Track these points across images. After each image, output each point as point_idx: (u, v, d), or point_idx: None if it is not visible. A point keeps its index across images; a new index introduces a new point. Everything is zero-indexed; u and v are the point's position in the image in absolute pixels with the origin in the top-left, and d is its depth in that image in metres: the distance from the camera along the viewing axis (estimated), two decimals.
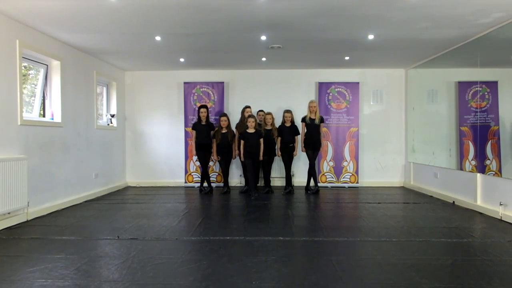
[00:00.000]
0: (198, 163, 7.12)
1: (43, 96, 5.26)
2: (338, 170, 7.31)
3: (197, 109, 7.00)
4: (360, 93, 7.36)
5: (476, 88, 5.15)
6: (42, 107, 5.26)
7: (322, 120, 6.49)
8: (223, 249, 3.36)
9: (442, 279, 2.67)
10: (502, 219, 4.49)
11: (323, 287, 2.53)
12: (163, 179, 7.61)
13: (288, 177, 6.55)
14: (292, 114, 6.51)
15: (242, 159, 6.34)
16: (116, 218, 4.66)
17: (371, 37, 5.13)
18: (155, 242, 3.61)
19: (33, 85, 5.26)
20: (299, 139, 6.52)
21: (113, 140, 7.05)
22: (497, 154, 4.76)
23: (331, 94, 7.32)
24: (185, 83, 7.44)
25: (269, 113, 6.50)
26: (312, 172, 6.51)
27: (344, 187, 7.26)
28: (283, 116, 6.53)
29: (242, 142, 6.20)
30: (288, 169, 6.56)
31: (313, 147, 6.42)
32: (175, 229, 4.09)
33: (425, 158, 6.59)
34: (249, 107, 6.75)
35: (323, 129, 6.72)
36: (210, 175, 7.01)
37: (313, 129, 6.38)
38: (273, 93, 7.48)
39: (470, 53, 5.20)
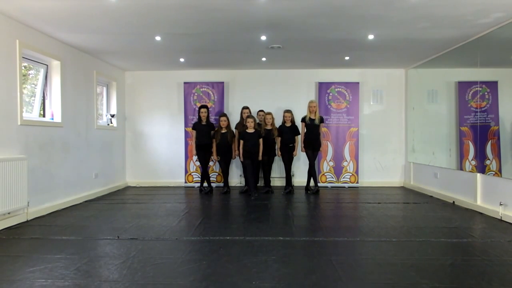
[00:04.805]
0: (198, 163, 7.12)
1: (43, 96, 5.26)
2: (338, 170, 7.31)
3: (197, 109, 7.01)
4: (360, 93, 7.36)
5: (476, 88, 5.15)
6: (42, 107, 5.26)
7: (322, 120, 6.49)
8: (223, 249, 3.36)
9: (442, 279, 2.67)
10: (502, 219, 4.49)
11: (323, 287, 2.54)
12: (163, 179, 7.61)
13: (288, 177, 6.55)
14: (292, 114, 6.50)
15: (242, 159, 6.34)
16: (116, 218, 4.66)
17: (371, 37, 5.13)
18: (155, 242, 3.61)
19: (33, 85, 5.26)
20: (299, 139, 6.52)
21: (113, 140, 7.05)
22: (497, 154, 4.76)
23: (331, 94, 7.32)
24: (185, 83, 7.44)
25: (269, 113, 6.50)
26: (312, 172, 6.51)
27: (344, 187, 7.25)
28: (283, 116, 6.53)
29: (241, 142, 6.21)
30: (288, 169, 6.55)
31: (313, 147, 6.42)
32: (175, 229, 4.09)
33: (425, 158, 6.59)
34: (247, 107, 6.76)
35: (323, 129, 6.72)
36: (210, 175, 7.01)
37: (313, 129, 6.38)
38: (273, 93, 7.48)
39: (470, 53, 5.20)
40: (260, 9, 4.09)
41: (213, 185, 7.10)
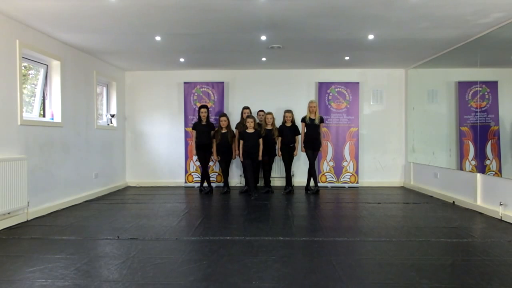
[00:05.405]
0: (198, 163, 7.12)
1: (43, 96, 5.26)
2: (338, 170, 7.31)
3: (197, 109, 7.01)
4: (360, 93, 7.36)
5: (476, 88, 5.15)
6: (42, 107, 5.26)
7: (322, 120, 6.49)
8: (223, 249, 3.36)
9: (442, 279, 2.67)
10: (502, 219, 4.49)
11: (323, 287, 2.54)
12: (163, 179, 7.61)
13: (288, 177, 6.55)
14: (292, 114, 6.51)
15: (242, 159, 6.34)
16: (116, 218, 4.66)
17: (371, 37, 5.13)
18: (155, 242, 3.61)
19: (33, 85, 5.26)
20: (300, 139, 6.52)
21: (113, 140, 7.05)
22: (497, 154, 4.76)
23: (331, 94, 7.32)
24: (185, 83, 7.44)
25: (270, 113, 6.50)
26: (312, 172, 6.51)
27: (344, 187, 7.25)
28: (284, 116, 6.53)
29: (241, 142, 6.21)
30: (288, 169, 6.55)
31: (313, 147, 6.42)
32: (175, 229, 4.09)
33: (425, 158, 6.58)
34: (247, 108, 6.76)
35: (323, 129, 6.72)
36: (210, 175, 7.01)
37: (313, 129, 6.38)
38: (273, 93, 7.48)
39: (470, 53, 5.20)
40: (260, 9, 4.09)
41: (213, 185, 7.10)
